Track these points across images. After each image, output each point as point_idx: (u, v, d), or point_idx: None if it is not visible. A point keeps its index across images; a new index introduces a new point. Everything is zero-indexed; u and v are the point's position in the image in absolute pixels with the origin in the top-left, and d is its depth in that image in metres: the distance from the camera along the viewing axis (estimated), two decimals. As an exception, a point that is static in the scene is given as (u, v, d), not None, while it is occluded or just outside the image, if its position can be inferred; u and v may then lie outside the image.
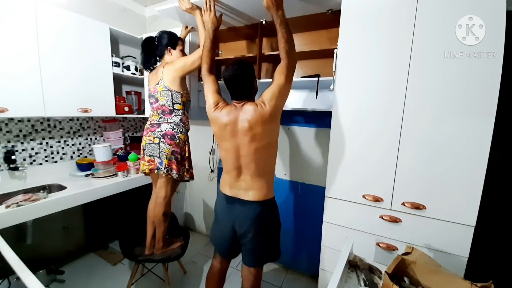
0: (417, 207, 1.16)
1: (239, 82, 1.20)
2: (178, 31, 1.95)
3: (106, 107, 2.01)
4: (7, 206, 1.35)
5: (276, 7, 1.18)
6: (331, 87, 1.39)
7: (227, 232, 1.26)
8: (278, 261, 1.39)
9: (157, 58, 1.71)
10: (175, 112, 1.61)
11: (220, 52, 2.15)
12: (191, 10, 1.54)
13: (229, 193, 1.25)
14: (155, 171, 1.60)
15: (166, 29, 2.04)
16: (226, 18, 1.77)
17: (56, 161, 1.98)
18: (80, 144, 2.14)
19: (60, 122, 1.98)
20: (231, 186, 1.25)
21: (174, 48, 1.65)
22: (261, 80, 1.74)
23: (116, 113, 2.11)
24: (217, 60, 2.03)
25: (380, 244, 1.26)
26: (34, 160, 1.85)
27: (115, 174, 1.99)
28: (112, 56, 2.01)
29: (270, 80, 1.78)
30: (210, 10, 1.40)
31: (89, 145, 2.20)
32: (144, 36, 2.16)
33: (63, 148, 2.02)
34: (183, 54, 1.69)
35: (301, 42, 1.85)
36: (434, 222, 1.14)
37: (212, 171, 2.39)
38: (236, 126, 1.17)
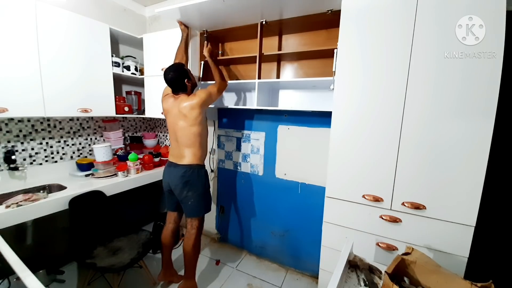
0: (417, 207, 1.16)
1: (173, 82, 1.62)
2: (178, 31, 1.96)
3: (106, 107, 2.01)
4: (7, 206, 1.35)
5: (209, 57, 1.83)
6: (331, 87, 1.39)
7: (167, 189, 1.69)
8: (204, 213, 1.71)
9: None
10: None
11: (220, 52, 2.15)
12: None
13: (170, 159, 1.69)
14: None
15: (166, 29, 2.05)
16: (226, 18, 1.77)
17: (56, 161, 1.98)
18: (80, 144, 2.14)
19: (60, 122, 1.98)
20: (172, 154, 1.69)
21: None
22: (261, 80, 1.74)
23: (116, 113, 2.11)
24: (219, 60, 2.03)
25: (380, 244, 1.26)
26: (34, 160, 1.85)
27: (115, 174, 1.99)
28: (112, 56, 2.01)
29: (270, 80, 1.80)
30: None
31: (89, 145, 2.20)
32: (144, 36, 2.17)
33: (63, 148, 2.02)
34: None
35: (301, 42, 1.85)
36: (434, 222, 1.14)
37: (212, 171, 2.39)
38: (174, 110, 1.63)
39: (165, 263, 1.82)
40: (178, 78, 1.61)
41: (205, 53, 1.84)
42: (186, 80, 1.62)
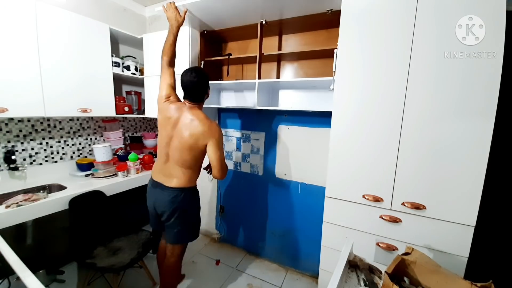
0: (417, 207, 1.16)
1: (194, 89, 1.36)
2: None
3: (106, 107, 2.01)
4: (7, 206, 1.35)
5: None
6: (331, 87, 1.39)
7: (152, 210, 1.46)
8: (191, 241, 1.51)
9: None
10: None
11: (220, 52, 2.15)
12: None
13: (155, 177, 1.43)
14: None
15: (166, 29, 2.04)
16: (226, 18, 1.77)
17: (56, 161, 1.98)
18: (80, 144, 2.14)
19: (60, 122, 1.98)
20: (158, 170, 1.42)
21: None
22: (261, 80, 1.74)
23: (116, 113, 2.11)
24: (219, 60, 2.03)
25: (380, 244, 1.26)
26: (34, 160, 1.85)
27: (115, 174, 1.99)
28: (112, 56, 2.01)
29: (270, 80, 1.79)
30: (171, 3, 1.48)
31: (89, 145, 2.20)
32: (144, 36, 2.17)
33: (63, 148, 2.02)
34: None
35: (301, 42, 1.85)
36: (434, 222, 1.14)
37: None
38: (178, 121, 1.35)
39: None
40: (201, 86, 1.36)
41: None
42: (208, 90, 1.43)
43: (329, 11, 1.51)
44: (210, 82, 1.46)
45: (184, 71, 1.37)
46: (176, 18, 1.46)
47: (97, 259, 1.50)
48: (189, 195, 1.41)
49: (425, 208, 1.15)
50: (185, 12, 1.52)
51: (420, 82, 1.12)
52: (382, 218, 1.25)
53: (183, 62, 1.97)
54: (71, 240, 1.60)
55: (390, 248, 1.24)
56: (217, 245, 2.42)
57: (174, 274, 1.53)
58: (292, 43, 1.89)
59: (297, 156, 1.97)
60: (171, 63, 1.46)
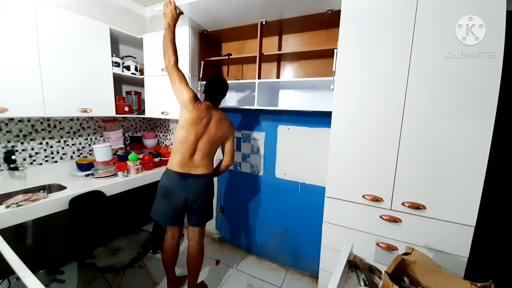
0: (417, 207, 1.16)
1: (221, 96, 1.62)
2: (177, 31, 1.95)
3: (106, 107, 2.01)
4: (7, 206, 1.35)
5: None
6: (331, 87, 1.39)
7: (180, 202, 1.50)
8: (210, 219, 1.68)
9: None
10: None
11: (220, 52, 2.15)
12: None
13: (181, 170, 1.50)
14: None
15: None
16: (226, 18, 1.77)
17: (56, 161, 1.98)
18: (80, 144, 2.14)
19: (60, 122, 1.98)
20: (182, 164, 1.51)
21: None
22: (261, 80, 1.74)
23: (116, 113, 2.11)
24: (219, 60, 2.03)
25: (380, 244, 1.26)
26: (34, 160, 1.85)
27: (115, 174, 1.99)
28: (112, 56, 2.01)
29: (270, 80, 1.79)
30: (171, 2, 1.53)
31: (89, 145, 2.20)
32: (144, 36, 2.17)
33: (63, 148, 2.02)
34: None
35: (301, 42, 1.85)
36: (434, 222, 1.14)
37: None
38: (208, 121, 1.54)
39: (172, 277, 1.71)
40: (225, 94, 1.64)
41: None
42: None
43: (329, 11, 1.51)
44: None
45: (213, 79, 1.60)
46: (173, 14, 1.52)
47: (97, 259, 1.50)
48: (212, 180, 1.63)
49: (425, 208, 1.15)
50: (180, 12, 1.59)
51: (420, 82, 1.12)
52: (382, 218, 1.25)
53: (183, 62, 1.97)
54: (71, 240, 1.60)
55: (390, 248, 1.24)
56: (217, 245, 2.42)
57: (203, 253, 1.68)
58: (292, 43, 1.89)
59: (297, 156, 1.97)
60: (178, 62, 1.53)
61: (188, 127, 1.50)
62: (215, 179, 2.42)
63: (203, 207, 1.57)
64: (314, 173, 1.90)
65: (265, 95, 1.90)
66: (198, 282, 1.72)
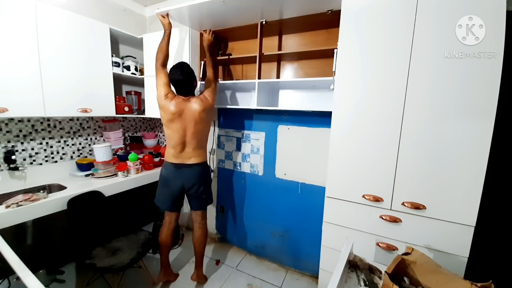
0: (417, 207, 1.16)
1: (183, 84, 1.61)
2: (177, 31, 1.95)
3: (106, 107, 2.01)
4: (7, 206, 1.35)
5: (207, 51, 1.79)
6: (331, 87, 1.39)
7: (177, 189, 1.67)
8: (211, 204, 1.84)
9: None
10: None
11: (220, 52, 2.15)
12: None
13: (176, 161, 1.63)
14: None
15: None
16: (226, 18, 1.77)
17: (56, 161, 1.98)
18: (80, 144, 2.14)
19: (60, 122, 1.98)
20: (176, 156, 1.63)
21: None
22: (261, 80, 1.74)
23: (116, 113, 2.11)
24: (219, 60, 2.03)
25: (380, 244, 1.26)
26: (34, 160, 1.85)
27: (115, 174, 1.99)
28: (112, 56, 2.01)
29: (270, 80, 1.80)
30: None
31: (89, 145, 2.20)
32: (144, 36, 2.17)
33: (63, 148, 2.02)
34: None
35: (301, 42, 1.85)
36: (434, 222, 1.14)
37: (212, 171, 2.39)
38: (184, 113, 1.58)
39: (165, 263, 1.82)
40: (189, 80, 1.61)
41: (206, 41, 1.78)
42: (194, 82, 1.66)
43: (329, 11, 1.51)
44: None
45: (170, 69, 1.61)
46: (169, 24, 1.71)
47: (97, 260, 1.50)
48: (207, 168, 1.75)
49: (425, 208, 1.15)
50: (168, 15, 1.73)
51: (420, 82, 1.12)
52: (382, 218, 1.25)
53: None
54: (70, 241, 1.59)
55: (390, 248, 1.24)
56: (217, 245, 2.42)
57: (207, 233, 1.83)
58: (292, 43, 1.89)
59: (297, 156, 1.97)
60: (165, 64, 1.67)
61: (169, 124, 1.61)
62: (215, 180, 2.42)
63: (201, 192, 1.70)
64: (314, 173, 1.90)
65: (265, 95, 1.90)
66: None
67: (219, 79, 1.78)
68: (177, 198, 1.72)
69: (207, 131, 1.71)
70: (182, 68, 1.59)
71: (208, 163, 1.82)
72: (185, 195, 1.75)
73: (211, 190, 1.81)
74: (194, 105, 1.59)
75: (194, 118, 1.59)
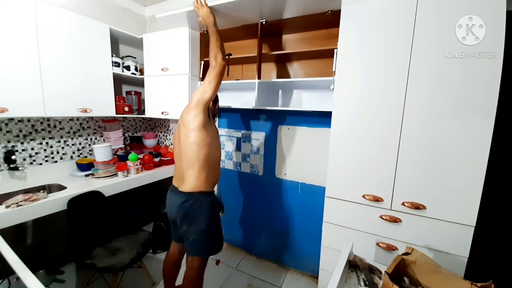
0: (417, 207, 1.16)
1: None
2: (178, 32, 1.95)
3: (106, 107, 2.01)
4: (7, 206, 1.35)
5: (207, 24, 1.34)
6: (331, 87, 1.39)
7: (171, 218, 1.38)
8: (215, 254, 1.36)
9: None
10: None
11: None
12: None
13: (173, 182, 1.39)
14: None
15: (166, 29, 2.04)
16: (226, 18, 1.77)
17: (56, 161, 1.98)
18: (80, 144, 2.14)
19: (60, 122, 1.98)
20: (174, 176, 1.39)
21: None
22: (261, 80, 1.74)
23: (116, 113, 2.11)
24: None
25: (380, 244, 1.26)
26: (34, 160, 1.85)
27: (115, 174, 1.98)
28: (112, 56, 2.01)
29: (270, 80, 1.79)
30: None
31: (89, 145, 2.20)
32: (144, 36, 2.17)
33: (63, 148, 2.02)
34: None
35: (301, 42, 1.85)
36: (434, 222, 1.14)
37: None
38: (179, 121, 1.36)
39: None
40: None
41: (203, 13, 1.35)
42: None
43: (329, 11, 1.51)
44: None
45: None
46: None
47: (97, 260, 1.50)
48: (199, 201, 1.25)
49: (425, 208, 1.15)
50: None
51: (420, 82, 1.12)
52: (382, 218, 1.25)
53: (183, 62, 1.97)
54: (70, 241, 1.59)
55: (390, 248, 1.24)
56: (217, 245, 2.42)
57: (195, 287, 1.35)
58: (292, 43, 1.89)
59: (297, 156, 1.97)
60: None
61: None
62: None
63: (187, 232, 1.28)
64: (314, 173, 1.90)
65: (265, 95, 1.90)
66: None
67: (223, 59, 1.25)
68: (175, 227, 1.40)
69: (197, 137, 1.24)
70: None
71: (214, 193, 1.39)
72: None
73: (208, 234, 1.29)
74: (183, 112, 1.32)
75: (180, 124, 1.31)
